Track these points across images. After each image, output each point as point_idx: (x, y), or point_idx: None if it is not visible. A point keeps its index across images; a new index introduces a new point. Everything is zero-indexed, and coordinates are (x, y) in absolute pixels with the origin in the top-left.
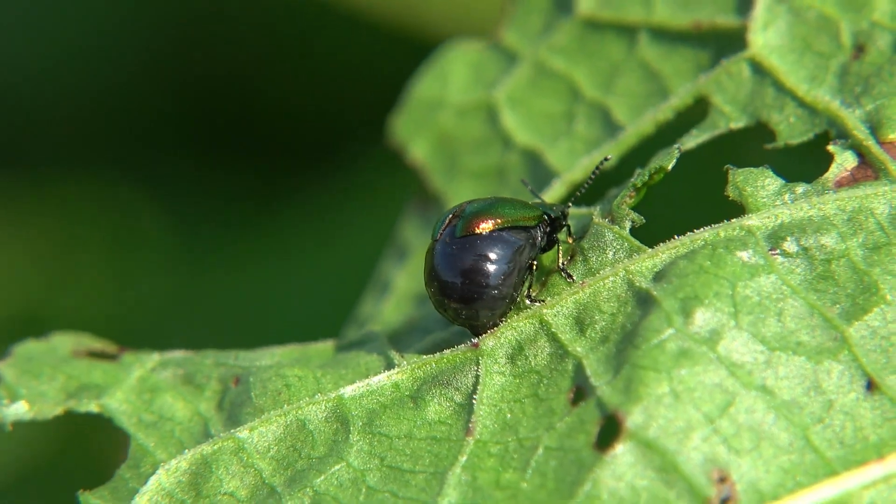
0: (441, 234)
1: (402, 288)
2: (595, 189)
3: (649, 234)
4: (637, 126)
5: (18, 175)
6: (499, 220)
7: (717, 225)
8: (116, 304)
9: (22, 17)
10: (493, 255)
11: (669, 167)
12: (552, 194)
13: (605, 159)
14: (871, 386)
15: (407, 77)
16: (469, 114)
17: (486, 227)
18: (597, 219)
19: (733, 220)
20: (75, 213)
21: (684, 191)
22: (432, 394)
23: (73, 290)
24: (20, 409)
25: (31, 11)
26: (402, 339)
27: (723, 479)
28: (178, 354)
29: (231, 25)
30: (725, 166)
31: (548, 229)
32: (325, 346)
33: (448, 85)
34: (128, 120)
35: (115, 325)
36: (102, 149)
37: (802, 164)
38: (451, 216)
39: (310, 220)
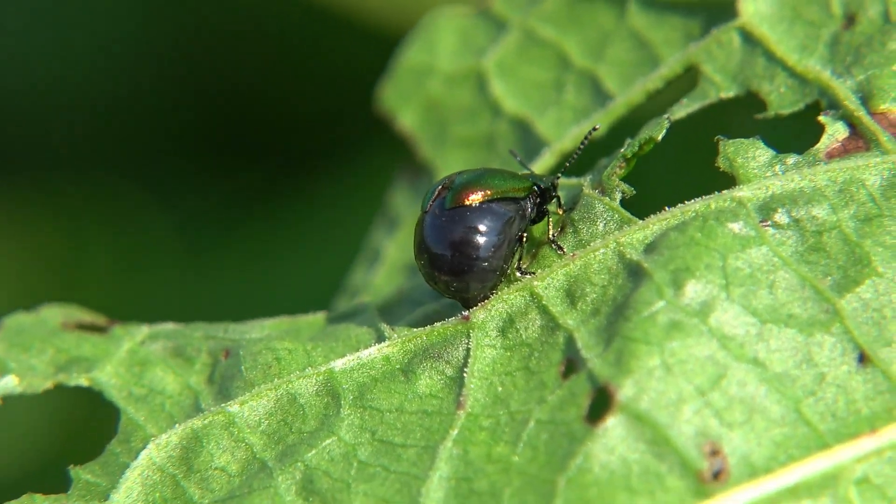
0: (430, 206)
1: (392, 257)
2: (585, 159)
3: (639, 205)
4: (627, 95)
5: (24, 179)
6: (488, 192)
7: (707, 196)
8: (121, 306)
9: (29, 24)
10: (482, 227)
11: (659, 137)
12: (542, 164)
13: (594, 129)
14: (862, 358)
15: None
16: (458, 82)
17: (475, 198)
18: (587, 190)
19: (724, 192)
20: (80, 216)
21: (674, 161)
22: (423, 367)
23: (78, 293)
24: (10, 384)
25: (37, 18)
26: (392, 311)
27: (715, 452)
28: (167, 327)
29: (234, 30)
30: (716, 137)
31: (538, 200)
32: (316, 318)
33: (436, 52)
34: (132, 123)
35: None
36: (106, 152)
37: (793, 135)
38: (440, 187)
39: (309, 220)
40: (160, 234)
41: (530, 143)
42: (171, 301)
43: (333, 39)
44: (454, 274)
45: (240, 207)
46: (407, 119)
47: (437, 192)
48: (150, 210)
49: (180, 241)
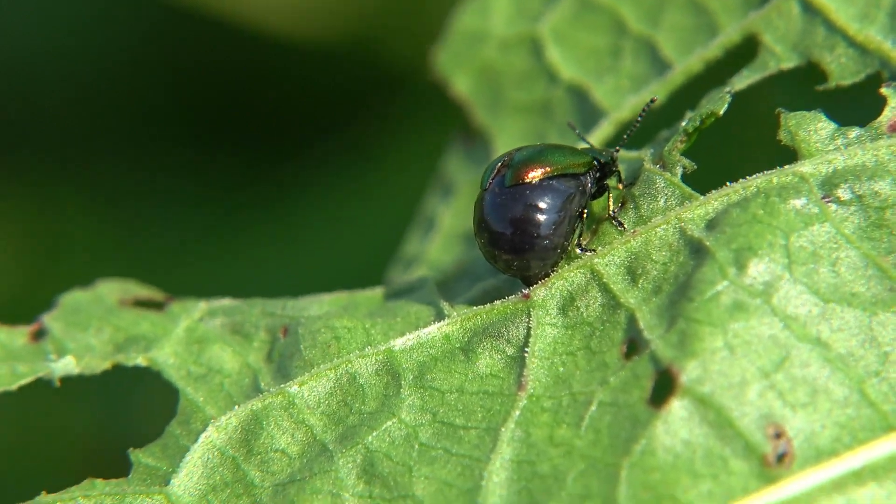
0: (490, 184)
1: (448, 226)
2: (644, 130)
3: (699, 179)
4: (685, 64)
5: (2, 171)
6: (548, 169)
7: (769, 171)
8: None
9: (4, 16)
10: (543, 205)
11: (721, 112)
12: (600, 134)
13: (652, 101)
14: None
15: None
16: (512, 47)
17: (535, 175)
18: (647, 164)
19: (786, 167)
20: (61, 204)
21: (735, 133)
22: (483, 346)
23: (58, 287)
24: (68, 365)
25: (11, 10)
26: (451, 287)
27: (779, 435)
28: (225, 302)
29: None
30: (777, 109)
31: (598, 175)
32: (374, 294)
33: (490, 17)
34: (117, 112)
35: None
36: (90, 141)
37: (856, 106)
38: (499, 165)
39: (316, 205)
40: (142, 214)
41: (587, 111)
42: (151, 282)
43: (330, 21)
44: (515, 252)
45: (221, 194)
46: (461, 84)
47: (496, 170)
48: (132, 189)
49: (164, 221)
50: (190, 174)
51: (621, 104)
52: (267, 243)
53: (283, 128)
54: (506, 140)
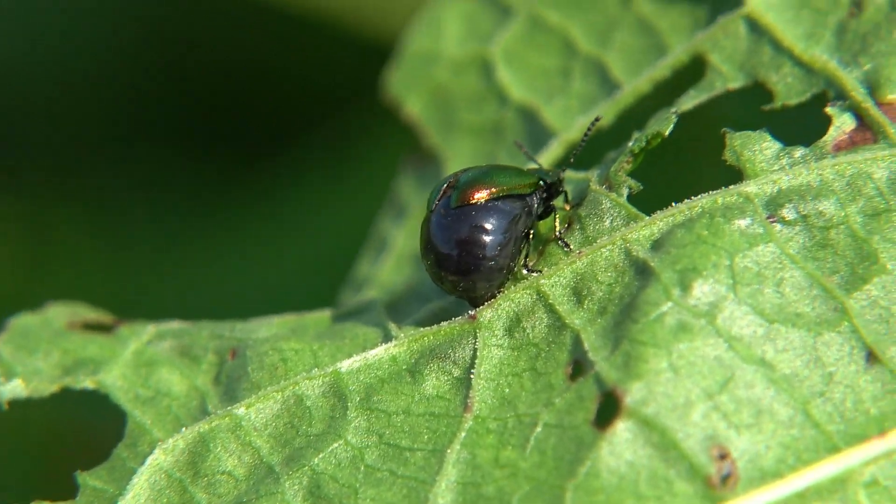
0: (436, 205)
1: (400, 247)
2: (591, 151)
3: (645, 198)
4: (634, 84)
5: None
6: (494, 189)
7: (714, 192)
8: (89, 292)
9: None
10: (489, 226)
11: (667, 133)
12: (550, 155)
13: (597, 119)
14: (871, 358)
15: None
16: (464, 68)
17: (481, 196)
18: (594, 185)
19: (731, 187)
20: (47, 202)
21: (681, 152)
22: (430, 368)
23: (49, 284)
24: (17, 388)
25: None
26: (399, 308)
27: (723, 456)
28: (173, 325)
29: (207, 10)
30: (723, 129)
31: (544, 195)
32: (322, 316)
33: (442, 38)
34: (101, 108)
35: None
36: (78, 139)
37: (800, 126)
38: (445, 186)
39: (286, 206)
40: (129, 215)
41: (537, 132)
42: (144, 289)
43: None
44: (461, 273)
45: (214, 193)
46: (414, 106)
47: (442, 191)
48: (119, 190)
49: (151, 221)
50: (175, 177)
51: (570, 125)
52: (253, 243)
53: (268, 125)
54: (458, 161)
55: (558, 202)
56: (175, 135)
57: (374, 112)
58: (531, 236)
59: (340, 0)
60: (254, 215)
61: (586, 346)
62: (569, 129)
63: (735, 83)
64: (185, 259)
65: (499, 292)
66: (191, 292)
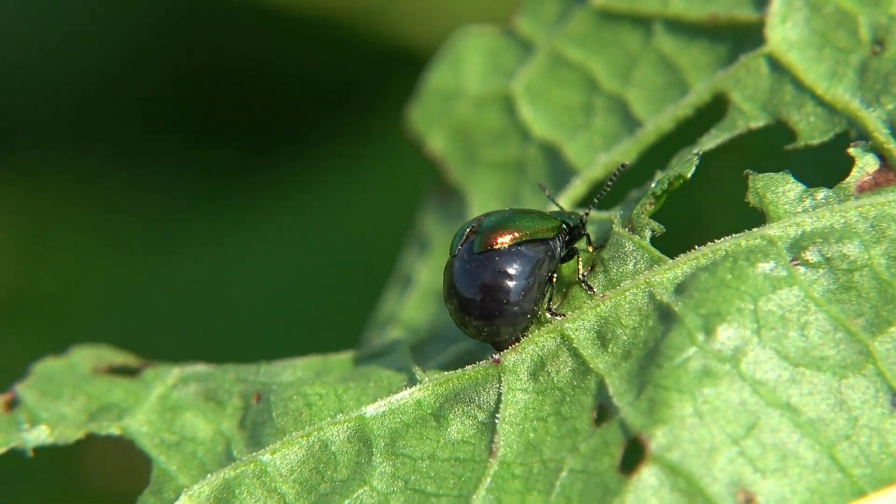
0: (459, 250)
1: (424, 282)
2: (614, 189)
3: (668, 239)
4: (657, 122)
5: None
6: (517, 234)
7: (737, 235)
8: (87, 282)
9: None
10: (512, 271)
11: (689, 174)
12: (572, 193)
13: (623, 166)
14: None
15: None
16: (486, 105)
17: (504, 241)
18: (616, 227)
19: (754, 230)
20: (46, 192)
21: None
22: (455, 412)
23: (42, 270)
24: (42, 434)
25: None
26: (423, 350)
27: (749, 501)
28: (199, 368)
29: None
30: (746, 171)
31: (567, 238)
32: (347, 358)
33: (464, 74)
34: (101, 98)
35: (92, 307)
36: (75, 127)
37: (823, 165)
38: (468, 230)
39: (286, 196)
40: (129, 206)
41: (560, 169)
42: (141, 279)
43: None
44: (485, 318)
45: (212, 184)
46: (436, 142)
47: (465, 236)
48: (118, 181)
49: (150, 213)
50: (179, 164)
51: (593, 162)
52: (257, 238)
53: (277, 116)
54: (481, 197)
55: (581, 244)
56: (178, 129)
57: (380, 111)
58: (554, 280)
59: (352, 2)
60: (258, 210)
61: (611, 390)
62: (591, 166)
63: (757, 122)
64: (187, 252)
65: (523, 336)
66: (192, 286)
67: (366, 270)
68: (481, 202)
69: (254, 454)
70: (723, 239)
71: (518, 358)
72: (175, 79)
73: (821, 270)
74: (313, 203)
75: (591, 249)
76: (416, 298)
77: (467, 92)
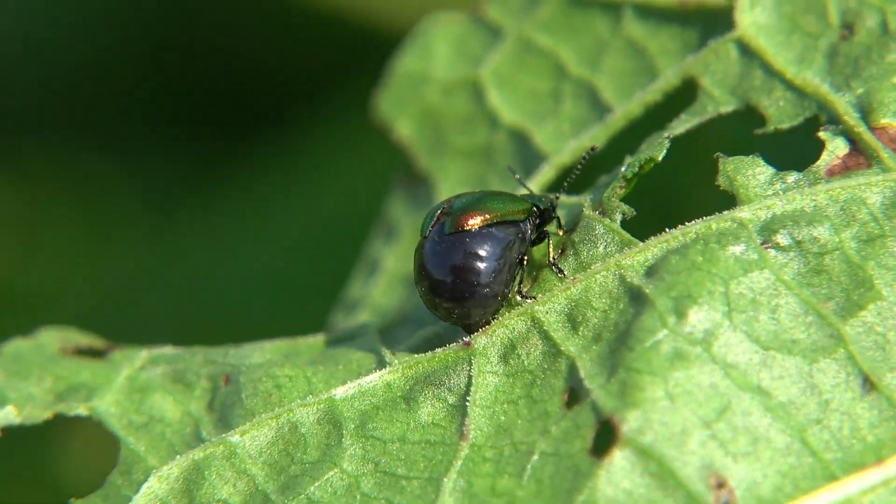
0: (430, 231)
1: (391, 269)
2: (584, 174)
3: (639, 223)
4: (625, 108)
5: None
6: (487, 216)
7: (708, 217)
8: (82, 269)
9: None
10: (483, 252)
11: (660, 158)
12: (541, 179)
13: (592, 149)
14: (867, 385)
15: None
16: (454, 91)
17: (475, 223)
18: (587, 211)
19: (725, 213)
20: (40, 180)
21: (675, 175)
22: (425, 395)
23: (38, 258)
24: (9, 414)
25: None
26: (393, 333)
27: (721, 485)
28: (166, 350)
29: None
30: (716, 154)
31: (537, 222)
32: (316, 341)
33: (432, 60)
34: (94, 86)
35: (85, 297)
36: (67, 115)
37: (794, 149)
38: (439, 212)
39: (274, 185)
40: (122, 199)
41: (528, 155)
42: (132, 267)
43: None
44: (455, 300)
45: (204, 172)
46: (404, 128)
47: (436, 217)
48: (112, 174)
49: (143, 205)
50: (165, 162)
51: (562, 148)
52: (175, 241)
53: (245, 104)
54: (449, 184)
55: (551, 228)
56: (165, 121)
57: (353, 97)
58: (525, 262)
59: None
60: (223, 199)
61: (582, 373)
62: (560, 152)
63: (727, 107)
64: (173, 243)
65: (493, 319)
66: (180, 275)
67: (332, 256)
68: (449, 189)
69: (223, 435)
70: (693, 222)
71: (488, 341)
72: (165, 67)
73: (791, 253)
74: (279, 190)
75: (561, 233)
76: (384, 284)
77: (435, 78)
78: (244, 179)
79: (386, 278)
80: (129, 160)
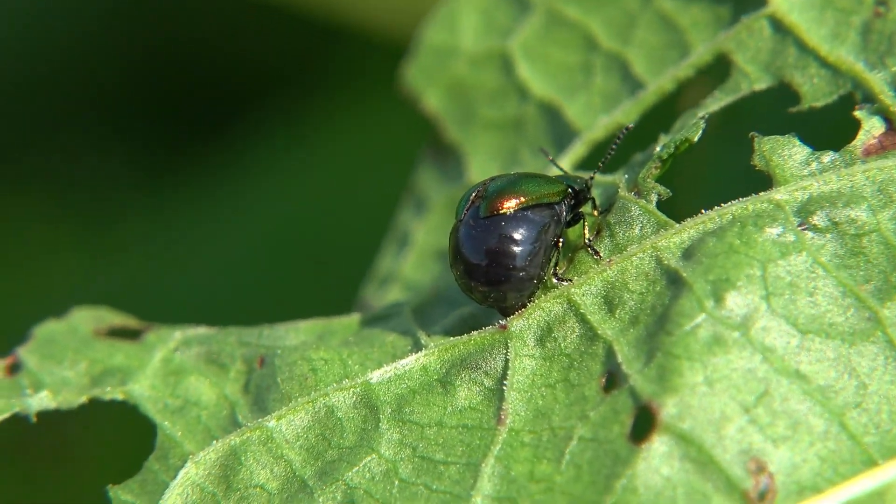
0: (465, 215)
1: (422, 242)
2: (617, 150)
3: (674, 204)
4: (657, 83)
5: None
6: (522, 199)
7: (745, 199)
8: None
9: None
10: (518, 236)
11: (696, 139)
12: (573, 156)
13: (627, 129)
14: None
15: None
16: (482, 63)
17: (510, 206)
18: (622, 192)
19: (761, 194)
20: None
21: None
22: (462, 378)
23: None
24: (45, 399)
25: None
26: (427, 313)
27: (760, 470)
28: (200, 330)
29: None
30: (751, 133)
31: (572, 203)
32: (350, 321)
33: (459, 32)
34: (62, 92)
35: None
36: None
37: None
38: (474, 195)
39: (228, 184)
40: (98, 211)
41: (559, 129)
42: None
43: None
44: (491, 284)
45: (149, 172)
46: (432, 100)
47: (470, 201)
48: (87, 186)
49: (89, 211)
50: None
51: (594, 124)
52: (218, 221)
53: (215, 102)
54: (478, 156)
55: (586, 209)
56: (128, 111)
57: (320, 88)
58: (560, 245)
59: None
60: (220, 192)
61: (619, 357)
62: (592, 127)
63: (761, 84)
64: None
65: (529, 302)
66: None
67: (360, 230)
68: (479, 161)
69: (259, 420)
70: (729, 203)
71: (524, 324)
72: (125, 61)
73: (829, 235)
74: (264, 191)
75: (596, 214)
76: (415, 258)
77: (463, 50)
78: (196, 181)
79: (416, 252)
80: (77, 158)
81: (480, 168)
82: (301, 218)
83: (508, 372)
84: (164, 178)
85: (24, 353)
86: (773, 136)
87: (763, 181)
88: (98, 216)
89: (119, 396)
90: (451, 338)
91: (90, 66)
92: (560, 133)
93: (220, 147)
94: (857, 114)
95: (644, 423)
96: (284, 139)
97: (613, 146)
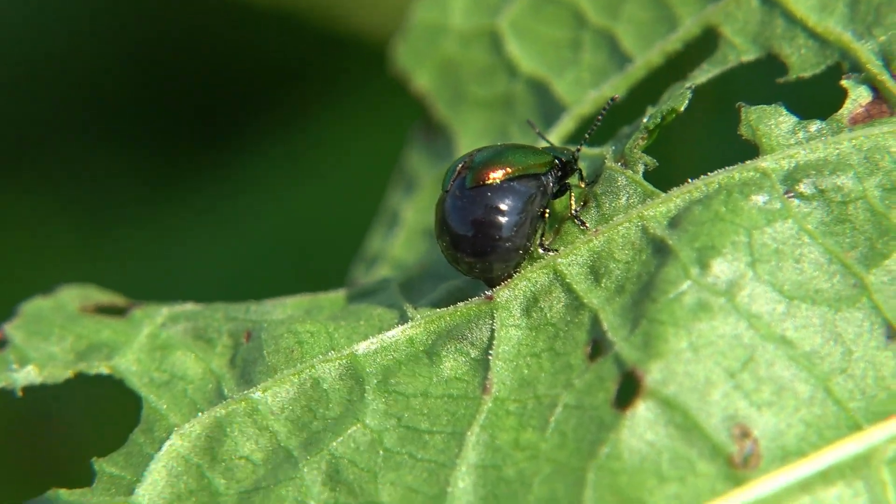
0: (451, 186)
1: (411, 221)
2: (605, 125)
3: (662, 175)
4: (646, 57)
5: None
6: (509, 170)
7: (731, 167)
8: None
9: None
10: (504, 206)
11: (682, 108)
12: (561, 130)
13: (613, 99)
14: (891, 333)
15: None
16: (472, 41)
17: (496, 177)
18: (609, 162)
19: (748, 162)
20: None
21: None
22: (447, 349)
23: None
24: (31, 374)
25: None
26: (414, 287)
27: (745, 435)
28: (187, 307)
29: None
30: (738, 103)
31: (559, 174)
32: (337, 296)
33: (448, 10)
34: (61, 97)
35: None
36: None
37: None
38: (460, 166)
39: (218, 196)
40: (63, 210)
41: (548, 105)
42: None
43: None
44: (477, 255)
45: (146, 184)
46: (422, 79)
47: (457, 172)
48: (52, 183)
49: (84, 216)
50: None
51: (582, 99)
52: (221, 222)
53: (215, 110)
54: (468, 135)
55: (573, 180)
56: (140, 121)
57: (317, 97)
58: (547, 215)
59: None
60: (222, 194)
61: (605, 325)
62: (580, 102)
63: (748, 56)
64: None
65: (515, 272)
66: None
67: (356, 240)
68: (469, 140)
69: (245, 392)
70: (716, 172)
71: (511, 294)
72: (123, 68)
73: (815, 203)
74: (250, 202)
75: (583, 185)
76: (404, 238)
77: (452, 28)
78: (189, 192)
79: (406, 231)
80: (69, 170)
81: (470, 146)
82: (293, 227)
83: (494, 342)
84: (161, 186)
85: (11, 329)
86: (759, 106)
87: (752, 152)
88: (95, 222)
89: (105, 371)
90: (438, 309)
91: (90, 68)
92: (549, 109)
93: (216, 154)
94: (845, 83)
95: (629, 390)
96: (280, 148)
97: (599, 117)
